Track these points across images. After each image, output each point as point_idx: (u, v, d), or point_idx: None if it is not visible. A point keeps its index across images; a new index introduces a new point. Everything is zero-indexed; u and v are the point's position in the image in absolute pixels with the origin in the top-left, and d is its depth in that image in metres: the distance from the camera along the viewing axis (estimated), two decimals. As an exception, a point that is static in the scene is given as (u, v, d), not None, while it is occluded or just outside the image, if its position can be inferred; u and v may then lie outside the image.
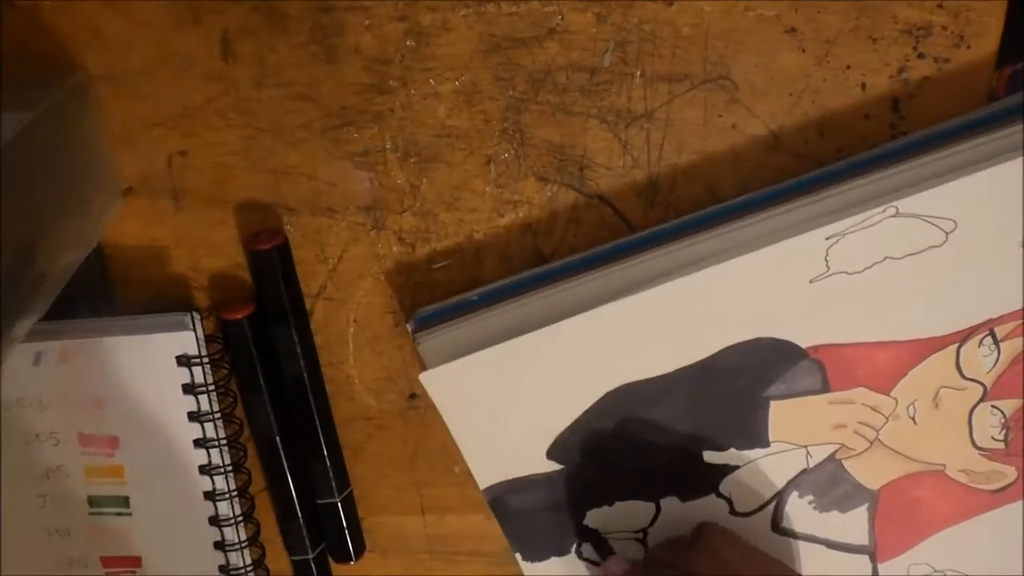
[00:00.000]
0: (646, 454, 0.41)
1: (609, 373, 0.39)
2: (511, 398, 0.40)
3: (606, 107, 0.39)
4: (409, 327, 0.41)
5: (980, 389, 0.40)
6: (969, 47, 0.37)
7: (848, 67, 0.38)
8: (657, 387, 0.39)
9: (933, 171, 0.36)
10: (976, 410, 0.40)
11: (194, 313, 0.42)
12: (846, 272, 0.37)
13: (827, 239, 0.36)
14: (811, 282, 0.37)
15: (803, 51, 0.38)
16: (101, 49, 0.39)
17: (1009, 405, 0.40)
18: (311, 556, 0.46)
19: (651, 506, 0.42)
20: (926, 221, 0.36)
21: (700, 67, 0.38)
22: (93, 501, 0.44)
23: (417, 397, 0.45)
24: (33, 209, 0.35)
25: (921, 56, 0.38)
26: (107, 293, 0.43)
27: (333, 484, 0.45)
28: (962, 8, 0.37)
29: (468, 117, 0.39)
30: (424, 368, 0.39)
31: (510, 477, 0.41)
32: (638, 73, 0.39)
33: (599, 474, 0.41)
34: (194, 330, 0.41)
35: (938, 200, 0.36)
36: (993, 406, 0.40)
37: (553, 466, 0.41)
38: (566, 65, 0.38)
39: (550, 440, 0.41)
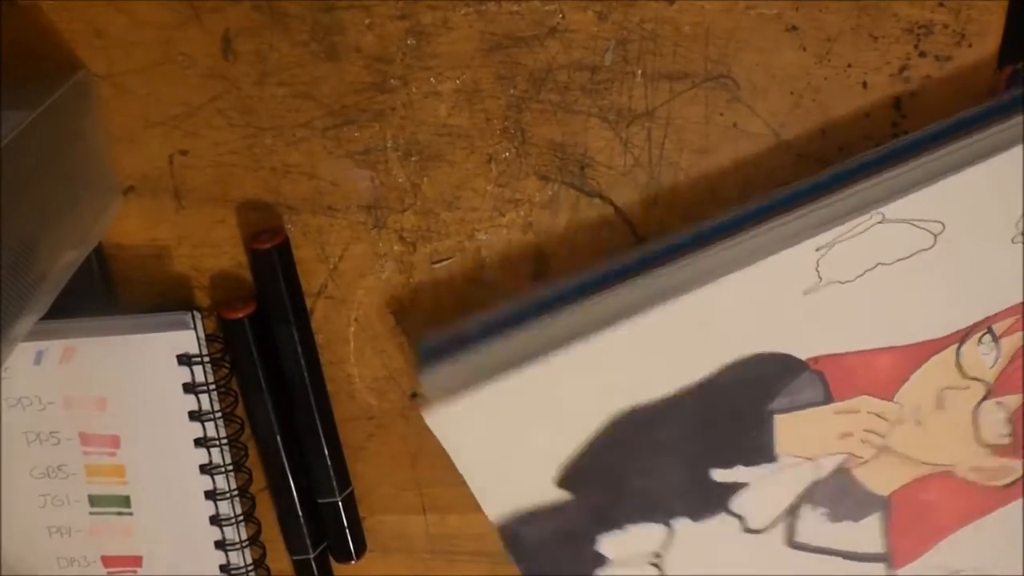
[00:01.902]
0: (654, 476, 0.41)
1: (611, 398, 0.39)
2: (516, 430, 0.39)
3: (607, 106, 0.39)
4: (418, 348, 0.41)
5: (983, 387, 0.40)
6: (970, 45, 0.37)
7: (849, 65, 0.38)
8: (661, 409, 0.39)
9: (918, 176, 0.36)
10: (980, 408, 0.40)
11: (195, 312, 0.42)
12: (838, 281, 0.37)
13: (816, 250, 0.36)
14: (805, 294, 0.37)
15: (804, 49, 0.38)
16: (102, 48, 0.39)
17: (1014, 400, 0.40)
18: (312, 556, 0.46)
19: (664, 528, 0.42)
20: (914, 225, 0.36)
21: (701, 66, 0.38)
22: (94, 500, 0.44)
23: (419, 396, 0.45)
24: (33, 208, 0.35)
25: (922, 55, 0.38)
26: (108, 292, 0.43)
27: (334, 483, 0.45)
28: (963, 7, 0.37)
29: (469, 116, 0.39)
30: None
31: (520, 508, 0.41)
32: (639, 72, 0.39)
33: (609, 499, 0.41)
34: (195, 329, 0.41)
35: (924, 203, 0.36)
36: (997, 402, 0.40)
37: (563, 495, 0.41)
38: (567, 64, 0.38)
39: (557, 469, 0.40)
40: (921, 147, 0.37)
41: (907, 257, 0.37)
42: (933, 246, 0.36)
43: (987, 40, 0.37)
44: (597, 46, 0.38)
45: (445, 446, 0.40)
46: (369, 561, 0.48)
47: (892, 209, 0.36)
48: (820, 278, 0.37)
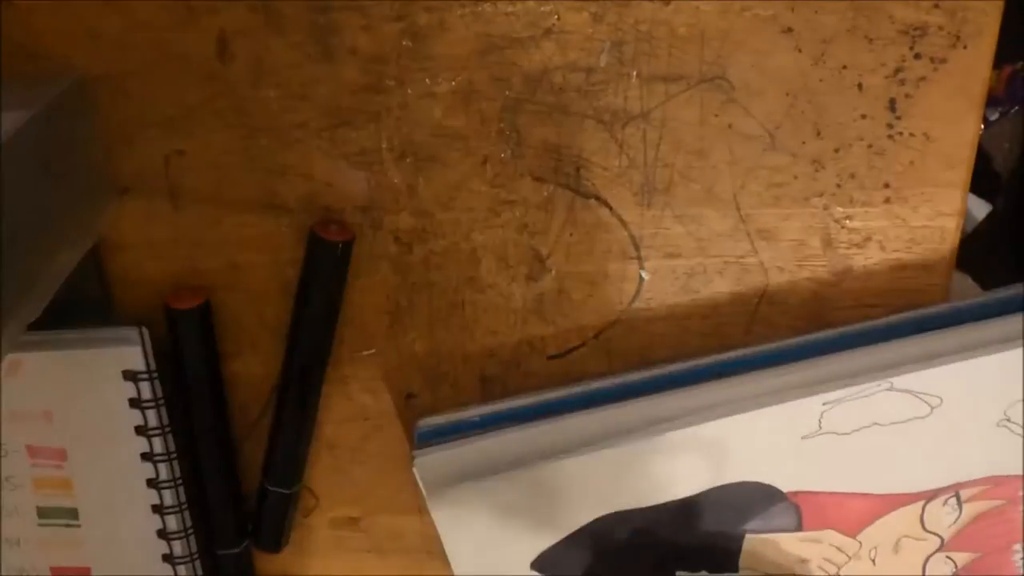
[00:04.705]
0: (623, 571, 0.44)
1: (603, 503, 0.42)
2: (504, 517, 0.42)
3: (602, 107, 0.39)
4: (416, 431, 0.42)
5: (938, 541, 0.43)
6: (966, 47, 0.37)
7: (845, 67, 0.38)
8: (644, 515, 0.42)
9: (927, 352, 0.39)
10: (931, 559, 0.44)
11: (142, 328, 0.42)
12: (835, 433, 0.40)
13: (824, 404, 0.39)
14: (803, 439, 0.40)
15: (799, 51, 0.38)
16: (98, 49, 0.39)
17: (962, 557, 0.44)
18: (238, 550, 0.46)
19: None
20: (916, 396, 0.39)
21: (696, 67, 0.38)
22: (42, 512, 0.44)
23: (414, 397, 0.45)
24: (28, 208, 0.35)
25: (917, 56, 0.38)
26: (104, 293, 0.43)
27: (292, 473, 0.45)
28: (958, 8, 0.37)
29: (465, 117, 0.40)
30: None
31: None
32: (634, 73, 0.39)
33: None
34: (142, 345, 0.41)
35: (930, 380, 0.39)
36: (948, 556, 0.44)
37: None
38: (562, 65, 0.38)
39: (536, 553, 0.43)
40: (931, 323, 0.41)
41: (903, 422, 0.40)
42: (928, 416, 0.40)
43: (983, 42, 0.37)
44: (592, 47, 0.38)
45: (433, 516, 0.42)
46: (366, 561, 0.49)
47: (900, 380, 0.39)
48: (820, 427, 0.40)
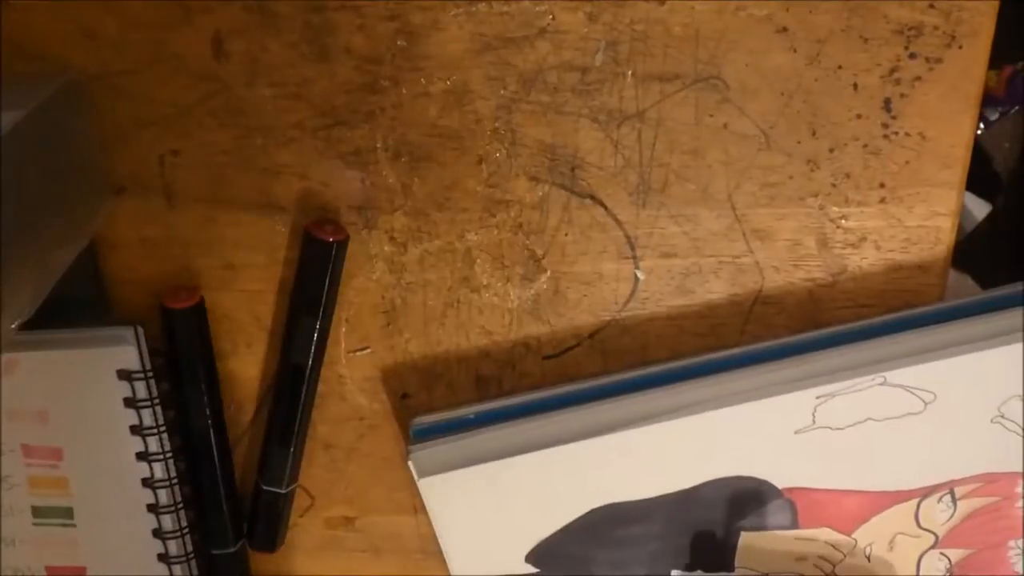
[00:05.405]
0: (619, 567, 0.44)
1: (596, 493, 0.42)
2: (499, 507, 0.42)
3: (597, 107, 0.39)
4: (411, 428, 0.43)
5: (932, 538, 0.43)
6: (961, 47, 0.37)
7: (840, 67, 0.38)
8: (639, 508, 0.42)
9: (921, 347, 0.39)
10: (925, 556, 0.44)
11: (137, 328, 0.42)
12: (829, 427, 0.40)
13: (817, 398, 0.39)
14: (796, 433, 0.40)
15: (794, 51, 0.38)
16: (94, 48, 0.39)
17: (956, 554, 0.44)
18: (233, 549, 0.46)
19: None
20: (910, 391, 0.39)
21: (691, 67, 0.38)
22: (37, 511, 0.44)
23: (409, 396, 0.45)
24: (24, 207, 0.35)
25: (913, 56, 0.37)
26: (99, 292, 0.43)
27: (287, 473, 0.45)
28: (954, 8, 0.36)
29: (459, 117, 0.39)
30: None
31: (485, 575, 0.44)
32: (629, 73, 0.38)
33: None
34: (137, 345, 0.41)
35: (922, 374, 0.39)
36: (942, 553, 0.44)
37: (530, 569, 0.44)
38: (557, 65, 0.38)
39: (531, 545, 0.43)
40: (926, 321, 0.41)
41: (896, 417, 0.40)
42: (922, 412, 0.40)
43: (978, 41, 0.37)
44: (587, 47, 0.38)
45: (429, 511, 0.42)
46: (361, 561, 0.49)
47: (894, 375, 0.39)
48: (814, 421, 0.40)
